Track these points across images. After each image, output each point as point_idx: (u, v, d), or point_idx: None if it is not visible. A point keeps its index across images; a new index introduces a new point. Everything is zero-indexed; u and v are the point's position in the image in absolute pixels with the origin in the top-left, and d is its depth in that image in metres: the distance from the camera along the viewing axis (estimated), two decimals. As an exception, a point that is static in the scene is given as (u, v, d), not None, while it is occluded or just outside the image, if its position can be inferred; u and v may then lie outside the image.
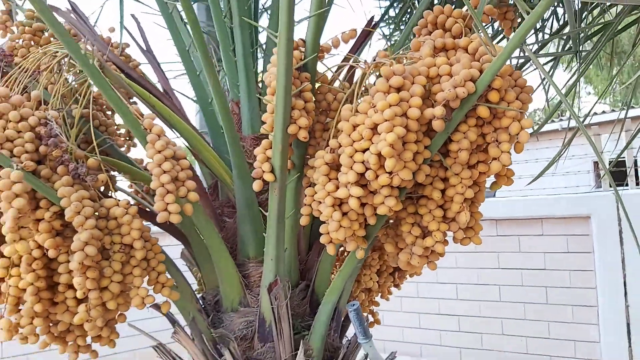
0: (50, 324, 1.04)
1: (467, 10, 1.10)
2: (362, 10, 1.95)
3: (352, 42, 1.29)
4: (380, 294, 1.51)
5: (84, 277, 0.93)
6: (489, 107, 0.92)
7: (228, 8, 1.31)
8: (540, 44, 1.64)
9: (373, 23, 1.44)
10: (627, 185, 5.35)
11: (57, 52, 1.09)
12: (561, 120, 7.03)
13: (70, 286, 1.01)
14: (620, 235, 3.97)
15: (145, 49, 1.42)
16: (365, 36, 1.43)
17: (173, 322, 1.28)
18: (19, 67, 1.07)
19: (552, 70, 1.72)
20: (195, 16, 1.06)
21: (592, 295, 4.09)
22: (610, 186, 6.09)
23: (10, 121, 0.97)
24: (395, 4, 1.79)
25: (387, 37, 1.79)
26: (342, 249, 1.28)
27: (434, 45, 0.98)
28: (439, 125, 0.89)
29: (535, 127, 1.63)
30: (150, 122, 1.00)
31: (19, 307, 1.00)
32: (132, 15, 1.54)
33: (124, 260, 1.01)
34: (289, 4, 0.83)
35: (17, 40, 1.35)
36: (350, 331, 1.33)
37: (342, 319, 1.29)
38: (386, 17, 1.76)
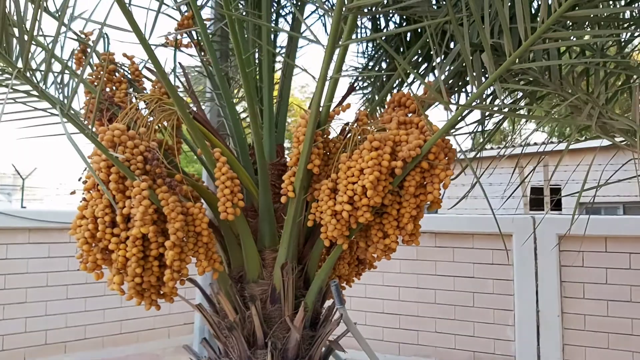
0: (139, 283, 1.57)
1: (422, 93, 1.73)
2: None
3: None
4: (346, 281, 2.11)
5: (174, 252, 1.48)
6: (428, 162, 1.55)
7: (259, 73, 1.89)
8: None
9: (354, 83, 2.06)
10: (543, 209, 6.23)
11: (152, 100, 1.64)
12: (499, 148, 7.95)
13: (156, 258, 1.55)
14: (535, 252, 4.74)
15: (190, 91, 1.98)
16: (349, 93, 2.04)
17: (202, 288, 1.83)
18: (126, 111, 1.61)
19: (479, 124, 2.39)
20: (249, 86, 1.64)
21: (510, 301, 4.84)
22: (531, 209, 7.00)
23: (127, 148, 1.51)
24: (369, 68, 2.42)
25: (363, 94, 2.43)
26: (329, 244, 1.87)
27: (397, 121, 1.61)
28: (399, 171, 1.51)
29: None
30: (219, 154, 1.57)
31: (123, 270, 1.53)
32: (180, 64, 2.09)
33: (194, 242, 1.56)
34: (317, 106, 1.43)
35: (95, 76, 1.89)
36: (327, 303, 1.92)
37: (324, 292, 1.88)
38: (361, 79, 2.39)
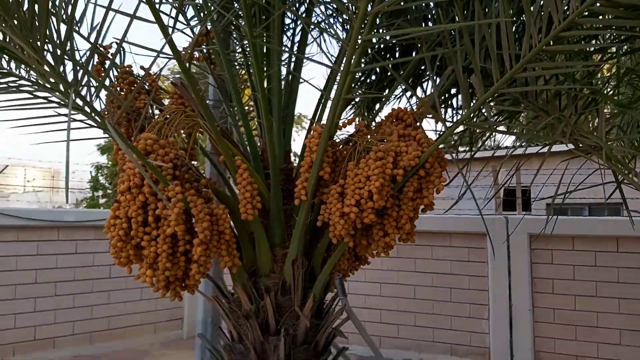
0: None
1: (415, 109, 1.96)
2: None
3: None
4: (344, 275, 2.32)
5: (201, 248, 1.67)
6: (425, 171, 1.77)
7: (269, 87, 2.09)
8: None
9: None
10: (515, 210, 6.58)
11: (177, 111, 1.82)
12: (472, 151, 8.30)
13: (183, 254, 1.74)
14: (508, 250, 5.05)
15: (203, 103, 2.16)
16: (346, 105, 2.26)
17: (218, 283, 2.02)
18: (155, 122, 1.78)
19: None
20: (265, 100, 1.83)
21: (484, 296, 5.14)
22: (504, 210, 7.35)
23: (159, 155, 1.69)
24: (362, 81, 2.65)
25: (354, 106, 2.66)
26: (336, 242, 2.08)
27: (398, 134, 1.83)
28: (400, 178, 1.73)
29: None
30: (240, 162, 1.76)
31: (154, 264, 1.71)
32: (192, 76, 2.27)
33: (217, 240, 1.75)
34: (331, 122, 1.64)
35: (118, 88, 2.06)
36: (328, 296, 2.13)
37: (327, 285, 2.09)
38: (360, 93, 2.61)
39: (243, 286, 1.91)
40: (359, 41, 1.43)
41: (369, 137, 1.94)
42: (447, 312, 5.25)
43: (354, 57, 1.56)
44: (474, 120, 2.01)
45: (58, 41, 1.54)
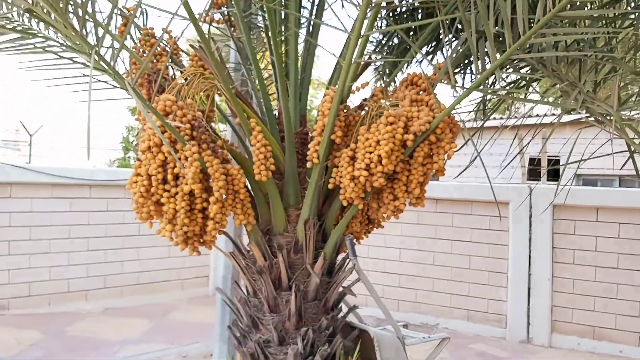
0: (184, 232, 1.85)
1: (429, 74, 1.97)
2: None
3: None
4: (357, 237, 2.39)
5: (217, 206, 1.76)
6: (435, 136, 1.80)
7: (286, 50, 2.12)
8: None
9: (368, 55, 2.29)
10: (539, 180, 6.49)
11: (195, 74, 1.88)
12: (502, 118, 8.13)
13: (200, 211, 1.82)
14: (530, 219, 5.03)
15: (224, 66, 2.21)
16: (364, 69, 2.27)
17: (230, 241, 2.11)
18: (174, 84, 1.85)
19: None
20: (280, 63, 1.87)
21: (504, 264, 5.16)
22: (529, 180, 7.26)
23: (177, 116, 1.76)
24: (380, 46, 2.64)
25: (375, 71, 2.66)
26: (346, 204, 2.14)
27: (410, 99, 1.85)
28: (410, 143, 1.76)
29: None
30: (254, 124, 1.82)
31: (173, 220, 1.81)
32: (213, 39, 2.31)
33: (233, 199, 1.83)
34: (342, 86, 1.67)
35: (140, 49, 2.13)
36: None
37: (338, 246, 2.16)
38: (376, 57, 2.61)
39: (257, 243, 2.00)
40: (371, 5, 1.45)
41: (382, 102, 1.97)
42: (466, 279, 5.30)
43: (365, 21, 1.58)
44: (491, 87, 2.01)
45: (80, 1, 1.60)
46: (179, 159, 1.74)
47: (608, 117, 1.63)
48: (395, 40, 2.75)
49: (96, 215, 5.52)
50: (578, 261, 4.87)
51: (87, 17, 1.72)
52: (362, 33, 1.59)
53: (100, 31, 1.69)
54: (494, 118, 9.35)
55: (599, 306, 4.79)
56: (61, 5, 1.53)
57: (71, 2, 1.58)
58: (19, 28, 2.29)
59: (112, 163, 17.96)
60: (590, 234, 4.83)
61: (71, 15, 1.68)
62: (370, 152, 1.76)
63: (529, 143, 2.45)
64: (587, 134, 2.34)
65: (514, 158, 2.50)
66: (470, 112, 2.45)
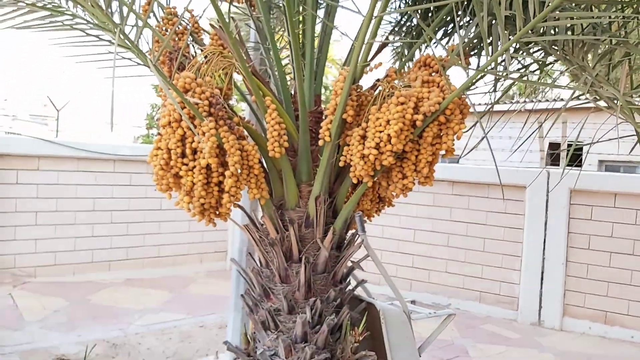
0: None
1: (443, 57, 2.00)
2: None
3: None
4: (367, 216, 2.46)
5: (232, 180, 1.84)
6: (445, 117, 1.84)
7: (303, 30, 2.17)
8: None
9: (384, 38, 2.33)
10: (558, 164, 6.44)
11: (214, 52, 1.95)
12: (518, 102, 8.04)
13: (217, 184, 1.91)
14: (547, 204, 5.03)
15: (242, 44, 2.27)
16: (381, 49, 2.32)
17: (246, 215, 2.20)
18: (194, 62, 1.92)
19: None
20: (296, 42, 1.93)
21: (518, 248, 5.19)
22: (546, 164, 7.20)
23: (196, 93, 1.84)
24: (398, 26, 2.67)
25: (394, 51, 2.69)
26: (357, 182, 2.20)
27: (422, 80, 1.89)
28: (420, 124, 1.81)
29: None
30: (269, 102, 1.89)
31: (190, 192, 1.90)
32: (233, 18, 2.37)
33: (247, 174, 1.91)
34: (354, 65, 1.72)
35: (163, 28, 2.20)
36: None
37: (348, 222, 2.24)
38: (393, 36, 2.64)
39: (270, 217, 2.09)
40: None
41: (396, 82, 2.01)
42: (479, 261, 5.35)
43: (379, 2, 1.62)
44: (504, 70, 2.04)
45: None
46: (197, 134, 1.82)
47: (616, 102, 1.65)
48: (415, 21, 2.77)
49: (120, 189, 5.70)
50: (593, 246, 4.88)
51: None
52: (374, 14, 1.64)
53: (125, 10, 1.76)
54: (516, 101, 9.25)
55: (612, 292, 4.80)
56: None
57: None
58: (48, 6, 2.38)
59: (136, 140, 18.28)
60: (606, 219, 4.81)
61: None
62: (380, 132, 1.82)
63: (541, 126, 2.47)
64: (605, 118, 2.35)
65: (532, 142, 2.52)
66: (485, 94, 2.48)
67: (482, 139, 1.99)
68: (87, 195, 5.52)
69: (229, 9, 2.35)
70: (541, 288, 5.06)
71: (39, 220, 5.28)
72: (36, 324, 4.17)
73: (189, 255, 6.25)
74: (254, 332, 2.21)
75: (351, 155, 1.94)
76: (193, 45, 2.36)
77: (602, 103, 1.79)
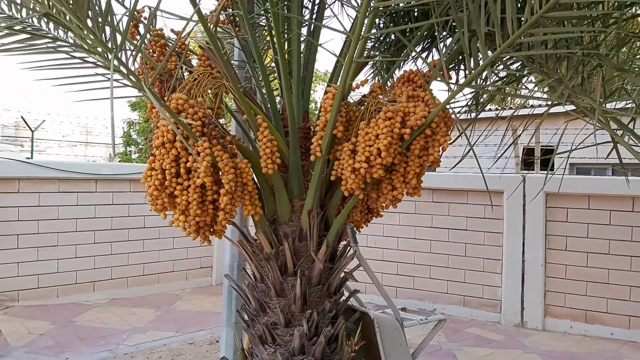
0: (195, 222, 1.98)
1: (425, 71, 2.09)
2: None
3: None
4: (357, 226, 2.52)
5: (227, 197, 1.88)
6: (431, 130, 1.92)
7: (289, 50, 2.24)
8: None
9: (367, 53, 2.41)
10: (533, 169, 6.64)
11: (204, 73, 2.00)
12: (497, 109, 8.25)
13: (211, 202, 1.95)
14: (524, 207, 5.17)
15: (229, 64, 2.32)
16: (363, 66, 2.39)
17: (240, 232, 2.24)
18: (185, 83, 1.97)
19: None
20: (284, 62, 1.99)
21: (498, 251, 5.31)
22: (523, 169, 7.40)
23: (189, 114, 1.88)
24: (379, 42, 2.76)
25: (373, 67, 2.78)
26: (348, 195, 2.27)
27: (407, 95, 1.97)
28: (407, 137, 1.89)
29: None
30: (261, 120, 1.94)
31: (186, 211, 1.94)
32: (219, 39, 2.42)
33: (241, 191, 1.96)
34: (343, 84, 1.79)
35: (150, 50, 2.24)
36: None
37: (340, 234, 2.29)
38: (374, 52, 2.73)
39: (264, 232, 2.13)
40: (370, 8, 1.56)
41: (381, 97, 2.09)
42: (461, 266, 5.45)
43: (365, 23, 1.70)
44: (484, 84, 2.13)
45: (98, 10, 1.72)
46: (191, 154, 1.86)
47: (589, 109, 1.76)
48: (393, 37, 2.86)
49: (102, 208, 5.65)
50: (570, 247, 5.03)
51: (106, 24, 1.84)
52: (361, 34, 1.71)
53: (118, 37, 1.80)
54: (489, 109, 9.47)
55: (590, 291, 4.95)
56: (85, 12, 1.65)
57: (90, 12, 1.70)
58: (28, 29, 2.39)
59: (111, 157, 18.05)
60: (582, 221, 4.98)
61: (88, 20, 1.79)
62: (370, 146, 1.89)
63: (521, 133, 2.57)
64: (579, 124, 2.47)
65: (507, 148, 2.63)
66: (464, 106, 2.58)
67: (470, 150, 2.07)
68: (69, 216, 5.45)
69: (215, 30, 2.41)
70: (522, 290, 5.18)
71: (21, 243, 5.20)
72: (22, 349, 4.09)
73: (174, 272, 6.21)
74: (251, 347, 2.24)
75: (342, 169, 2.00)
76: (181, 67, 2.41)
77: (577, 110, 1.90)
